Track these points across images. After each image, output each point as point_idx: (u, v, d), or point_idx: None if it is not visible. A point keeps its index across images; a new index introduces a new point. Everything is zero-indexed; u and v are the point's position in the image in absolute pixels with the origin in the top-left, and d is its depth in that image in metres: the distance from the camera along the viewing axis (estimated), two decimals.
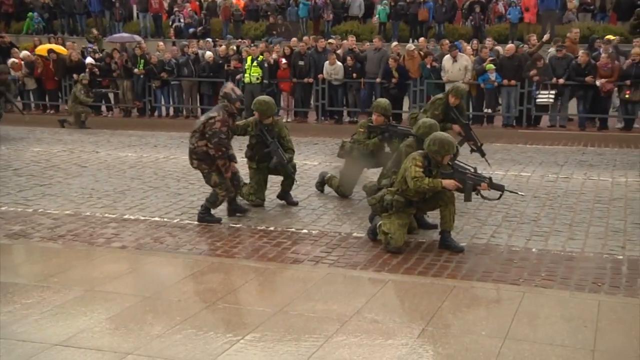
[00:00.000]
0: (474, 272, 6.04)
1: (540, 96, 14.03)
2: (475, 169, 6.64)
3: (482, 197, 7.04)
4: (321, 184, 8.89)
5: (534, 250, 6.65)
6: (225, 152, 7.44)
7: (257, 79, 14.89)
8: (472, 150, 9.14)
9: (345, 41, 16.50)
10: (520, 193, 7.28)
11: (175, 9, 23.06)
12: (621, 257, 6.45)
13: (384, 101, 8.42)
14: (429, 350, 4.47)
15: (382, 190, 6.74)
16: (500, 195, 6.74)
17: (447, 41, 15.36)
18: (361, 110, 14.89)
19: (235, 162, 7.80)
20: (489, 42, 15.12)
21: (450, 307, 5.15)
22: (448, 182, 6.29)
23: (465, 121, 9.11)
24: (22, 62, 16.90)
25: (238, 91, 7.66)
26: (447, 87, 14.12)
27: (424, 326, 4.79)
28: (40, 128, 15.15)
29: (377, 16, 21.43)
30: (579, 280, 5.83)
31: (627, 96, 13.45)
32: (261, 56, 15.00)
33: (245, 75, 14.97)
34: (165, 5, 23.69)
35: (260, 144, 8.08)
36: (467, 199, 6.53)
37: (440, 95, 9.07)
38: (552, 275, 5.95)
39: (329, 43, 15.74)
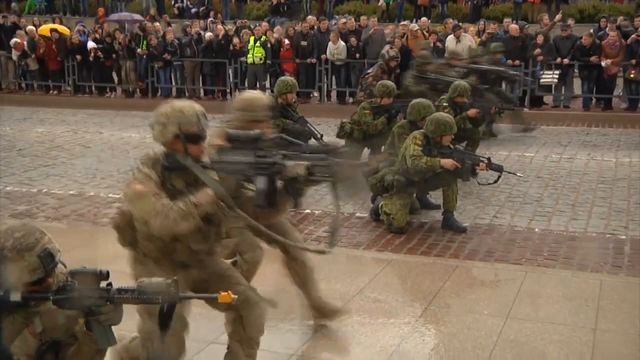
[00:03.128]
0: (476, 252, 6.07)
1: (544, 76, 13.96)
2: (489, 159, 6.62)
3: (479, 183, 7.07)
4: None
5: (536, 230, 6.67)
6: None
7: (260, 59, 14.82)
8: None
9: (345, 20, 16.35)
10: (518, 174, 7.28)
11: None
12: (624, 237, 6.47)
13: (389, 84, 8.40)
14: (431, 329, 4.51)
15: (383, 170, 6.75)
16: (499, 178, 6.74)
17: (450, 20, 15.25)
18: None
19: None
20: (492, 25, 14.97)
21: (453, 287, 5.18)
22: (446, 161, 6.29)
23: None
24: (25, 42, 16.84)
25: (392, 52, 8.96)
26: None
27: (427, 305, 4.82)
28: (43, 109, 15.16)
29: None
30: (581, 260, 5.86)
31: (632, 76, 13.37)
32: (264, 37, 14.94)
33: (248, 55, 14.90)
34: None
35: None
36: (466, 178, 6.53)
37: (444, 97, 9.07)
38: (554, 255, 5.97)
39: (333, 25, 15.64)
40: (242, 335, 3.45)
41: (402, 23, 15.84)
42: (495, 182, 6.82)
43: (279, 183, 3.17)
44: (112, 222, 3.39)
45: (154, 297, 2.68)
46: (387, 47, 11.31)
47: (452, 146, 6.47)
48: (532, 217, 7.06)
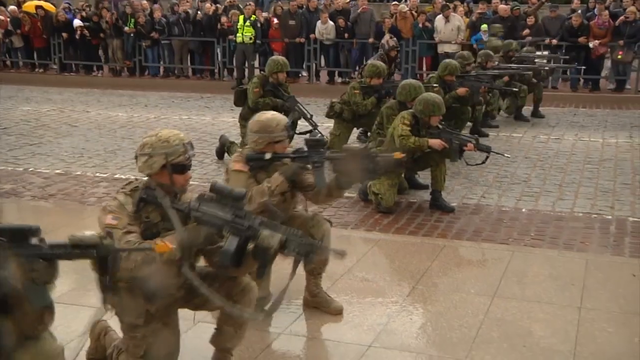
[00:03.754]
0: (464, 232, 6.10)
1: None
2: (477, 139, 6.63)
3: (467, 164, 7.09)
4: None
5: (523, 210, 6.71)
6: None
7: (250, 38, 14.72)
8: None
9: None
10: (505, 155, 7.29)
11: None
12: (609, 217, 6.51)
13: (380, 65, 8.37)
14: (418, 308, 4.53)
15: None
16: (487, 158, 6.76)
17: (439, 0, 15.18)
18: (352, 70, 14.82)
19: None
20: (481, 5, 14.93)
21: (440, 266, 5.21)
22: (434, 142, 6.29)
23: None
24: (8, 20, 16.64)
25: (392, 42, 9.37)
26: (439, 47, 14.28)
27: (414, 284, 4.85)
28: (29, 87, 15.01)
29: None
30: (567, 239, 5.90)
31: (619, 57, 13.42)
32: (253, 16, 14.83)
33: (238, 35, 14.80)
34: None
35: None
36: (453, 159, 6.54)
37: (433, 75, 9.08)
38: (541, 235, 6.01)
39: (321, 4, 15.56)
40: (236, 319, 3.45)
41: (393, 3, 15.75)
42: (483, 162, 6.84)
43: (250, 245, 3.18)
44: None
45: (89, 251, 2.61)
46: (386, 36, 11.25)
47: (440, 126, 6.47)
48: (519, 198, 7.09)
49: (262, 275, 3.29)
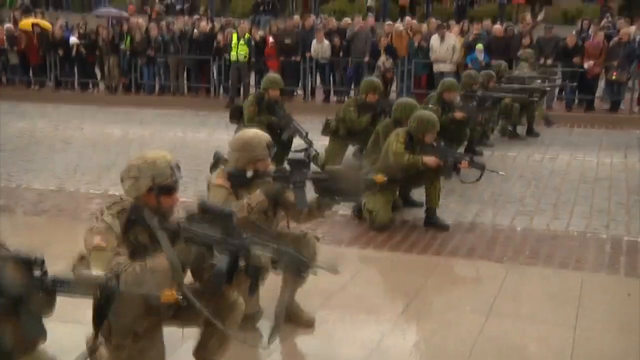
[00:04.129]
0: (458, 250, 6.06)
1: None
2: (472, 157, 6.62)
3: (462, 182, 7.07)
4: None
5: (518, 229, 6.68)
6: None
7: (245, 57, 14.76)
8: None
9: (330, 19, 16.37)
10: (500, 173, 7.26)
11: None
12: (604, 236, 6.50)
13: (376, 81, 8.38)
14: (412, 326, 4.50)
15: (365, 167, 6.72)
16: (481, 176, 6.73)
17: (434, 20, 15.28)
18: (347, 88, 14.86)
19: None
20: (476, 25, 15.03)
21: (435, 284, 5.18)
22: (428, 159, 6.27)
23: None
24: (4, 37, 16.67)
25: (388, 63, 9.65)
26: (435, 67, 14.33)
27: (408, 302, 4.81)
28: (24, 103, 14.99)
29: None
30: (562, 258, 5.86)
31: (614, 77, 13.48)
32: (247, 34, 14.87)
33: (232, 53, 14.83)
34: None
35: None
36: (447, 176, 6.51)
37: (432, 94, 9.10)
38: (535, 253, 5.97)
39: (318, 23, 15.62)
40: (221, 333, 3.41)
41: (388, 23, 15.82)
42: (478, 180, 6.82)
43: (241, 262, 3.17)
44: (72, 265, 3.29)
45: (92, 289, 2.59)
46: (382, 57, 11.26)
47: (434, 144, 6.46)
48: (514, 216, 7.07)
49: (253, 292, 3.27)
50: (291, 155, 5.59)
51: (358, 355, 4.05)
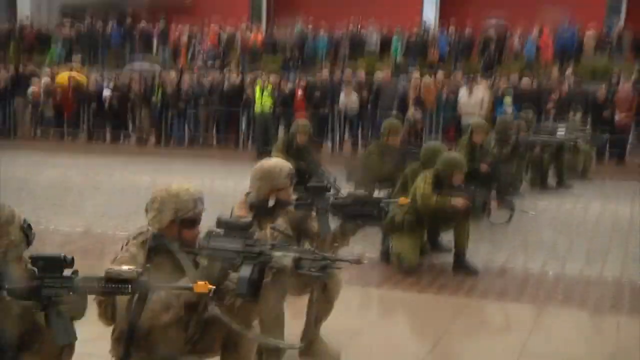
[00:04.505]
0: (488, 293, 5.90)
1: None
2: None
3: (491, 222, 6.93)
4: None
5: (550, 273, 6.51)
6: None
7: (270, 108, 14.94)
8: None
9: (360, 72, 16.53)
10: (531, 213, 7.14)
11: (195, 41, 23.31)
12: None
13: (396, 122, 8.39)
14: None
15: (392, 209, 6.65)
16: (511, 217, 6.61)
17: (460, 72, 15.36)
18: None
19: None
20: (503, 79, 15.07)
21: (464, 325, 5.02)
22: (457, 200, 6.17)
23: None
24: (41, 91, 17.10)
25: (417, 114, 10.73)
26: (463, 119, 14.33)
27: (436, 342, 4.66)
28: (57, 154, 15.24)
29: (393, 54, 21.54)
30: (597, 301, 5.67)
31: None
32: (270, 85, 15.07)
33: (256, 105, 15.02)
34: (185, 38, 23.95)
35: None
36: (477, 216, 6.38)
37: (462, 138, 9.08)
38: (568, 297, 5.79)
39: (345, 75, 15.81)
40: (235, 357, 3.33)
41: (415, 76, 15.82)
42: (508, 220, 6.69)
43: (267, 276, 3.17)
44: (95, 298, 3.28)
45: (124, 287, 2.48)
46: (411, 109, 11.32)
47: (462, 185, 6.38)
48: (545, 261, 6.90)
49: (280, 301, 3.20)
50: (311, 182, 5.53)
51: None
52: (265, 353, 4.16)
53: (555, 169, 11.17)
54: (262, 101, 14.88)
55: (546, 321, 5.08)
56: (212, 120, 16.19)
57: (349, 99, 14.97)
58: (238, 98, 15.74)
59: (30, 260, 2.58)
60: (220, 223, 3.22)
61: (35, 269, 2.53)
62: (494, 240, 7.59)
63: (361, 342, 4.64)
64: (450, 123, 14.70)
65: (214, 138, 16.36)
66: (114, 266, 3.00)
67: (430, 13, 27.03)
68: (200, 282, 2.52)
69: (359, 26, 22.59)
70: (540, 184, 11.03)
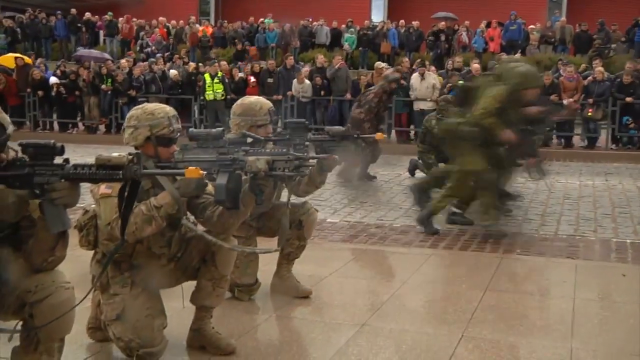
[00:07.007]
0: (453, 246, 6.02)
1: None
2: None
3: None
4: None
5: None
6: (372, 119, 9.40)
7: (221, 95, 14.89)
8: None
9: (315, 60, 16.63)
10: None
11: (143, 34, 23.04)
12: (593, 238, 6.50)
13: None
14: (412, 295, 4.41)
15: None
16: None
17: (405, 59, 15.62)
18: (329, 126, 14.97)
19: None
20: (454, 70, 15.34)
21: (430, 269, 5.10)
22: (509, 133, 5.86)
23: None
24: None
25: (396, 74, 10.40)
26: (415, 105, 14.52)
27: (406, 279, 4.74)
28: None
29: (346, 43, 21.72)
30: (554, 254, 5.82)
31: (589, 114, 13.75)
32: (220, 72, 15.02)
33: (207, 92, 14.95)
34: (134, 32, 23.66)
35: None
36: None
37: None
38: (526, 250, 5.94)
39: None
40: (214, 274, 3.37)
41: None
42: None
43: (245, 184, 3.19)
44: (76, 222, 3.23)
45: (115, 173, 2.43)
46: (391, 69, 11.44)
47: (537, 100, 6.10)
48: (503, 224, 7.04)
49: (260, 202, 3.27)
50: (290, 119, 5.48)
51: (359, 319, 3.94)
52: (236, 289, 4.16)
53: None
54: (214, 88, 14.82)
55: (508, 266, 5.20)
56: None
57: (302, 86, 15.01)
58: (190, 86, 15.63)
59: (20, 148, 2.51)
60: (192, 136, 3.25)
61: (25, 157, 2.47)
62: None
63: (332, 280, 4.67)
64: (403, 108, 14.87)
65: None
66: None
67: (378, 15, 27.46)
68: (191, 167, 2.51)
69: (310, 20, 22.79)
70: None
